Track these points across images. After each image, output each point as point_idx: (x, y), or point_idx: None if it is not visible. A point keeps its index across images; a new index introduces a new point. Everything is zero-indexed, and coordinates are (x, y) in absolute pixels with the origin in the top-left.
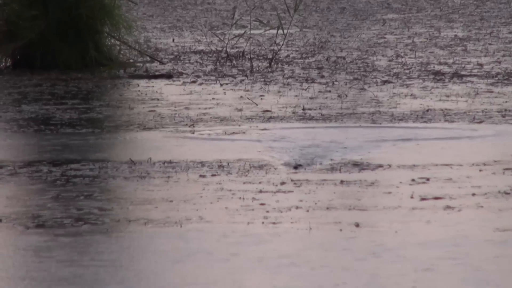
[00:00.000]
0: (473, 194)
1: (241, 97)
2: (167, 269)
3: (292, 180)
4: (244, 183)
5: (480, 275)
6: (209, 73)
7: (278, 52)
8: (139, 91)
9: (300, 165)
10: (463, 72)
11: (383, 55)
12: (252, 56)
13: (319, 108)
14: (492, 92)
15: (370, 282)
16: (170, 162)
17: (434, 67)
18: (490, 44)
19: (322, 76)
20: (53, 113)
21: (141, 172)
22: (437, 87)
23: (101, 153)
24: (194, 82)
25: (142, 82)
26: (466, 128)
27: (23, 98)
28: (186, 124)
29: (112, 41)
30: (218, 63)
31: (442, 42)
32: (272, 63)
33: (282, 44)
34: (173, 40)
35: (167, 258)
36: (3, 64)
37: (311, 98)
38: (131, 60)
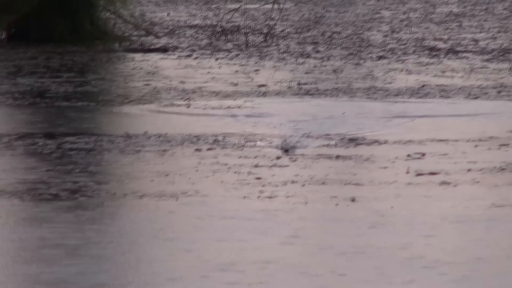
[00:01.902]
0: (469, 170)
1: (237, 71)
2: (162, 241)
3: (287, 155)
4: (239, 157)
5: (476, 250)
6: (204, 48)
7: (273, 27)
8: (134, 65)
9: (288, 150)
10: (458, 48)
11: (378, 31)
12: (247, 30)
13: (315, 83)
14: (488, 68)
15: (365, 255)
16: (166, 135)
17: (429, 42)
18: (485, 20)
19: (317, 51)
20: (48, 86)
21: (136, 146)
22: (433, 63)
23: (96, 127)
24: (189, 56)
25: (137, 56)
26: (462, 104)
27: (18, 71)
28: (182, 98)
29: (107, 14)
30: (213, 38)
31: (437, 18)
32: (268, 38)
33: (278, 19)
34: (168, 14)
35: (163, 231)
36: None
37: (306, 73)
38: (126, 34)
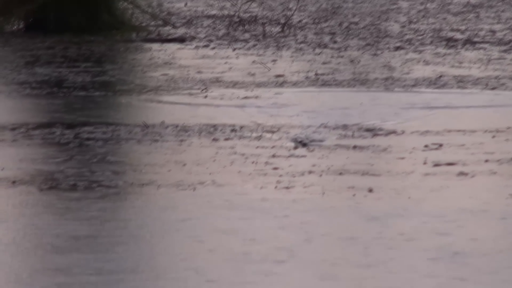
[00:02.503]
0: (486, 161)
1: (254, 61)
2: (179, 231)
3: (304, 148)
4: (256, 147)
5: (494, 241)
6: (221, 38)
7: (291, 17)
8: (151, 55)
9: (307, 144)
10: (475, 39)
11: (395, 21)
12: (264, 21)
13: (332, 74)
14: (505, 59)
15: (383, 246)
16: (183, 125)
17: (446, 33)
18: (502, 11)
19: (335, 42)
20: (66, 76)
21: (154, 136)
22: (450, 54)
23: (114, 116)
24: (206, 46)
25: (155, 46)
26: (479, 95)
27: (35, 60)
28: (199, 88)
29: (125, 4)
30: (230, 28)
31: (455, 8)
32: (285, 28)
33: (295, 9)
34: (186, 4)
35: (180, 221)
36: (16, 26)
37: (323, 63)
38: (143, 24)
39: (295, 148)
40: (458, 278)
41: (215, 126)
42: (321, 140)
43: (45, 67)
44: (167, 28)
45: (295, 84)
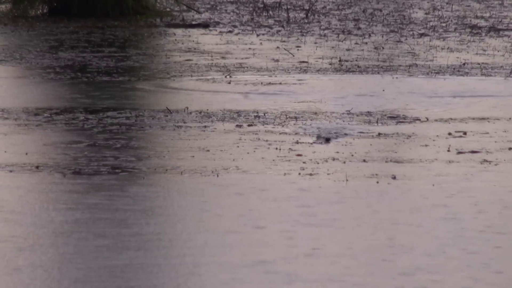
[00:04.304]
0: (510, 149)
1: (278, 47)
2: (203, 216)
3: (328, 143)
4: (280, 133)
5: None
6: (245, 23)
7: (315, 3)
8: (175, 40)
9: (329, 139)
10: (499, 26)
11: (419, 8)
12: (288, 6)
13: (356, 60)
14: None
15: (407, 233)
16: (207, 111)
17: (470, 20)
18: None
19: (359, 28)
20: (90, 61)
21: (177, 121)
22: (474, 41)
23: (137, 102)
24: (230, 32)
25: (179, 31)
26: (503, 82)
27: (59, 45)
28: (223, 74)
29: None
30: (254, 14)
31: None
32: (309, 14)
33: None
34: None
35: (203, 207)
36: (40, 11)
37: (347, 50)
38: (167, 9)
39: (318, 139)
40: (477, 268)
41: (238, 112)
42: (343, 134)
43: (69, 52)
44: (191, 13)
45: (319, 70)
